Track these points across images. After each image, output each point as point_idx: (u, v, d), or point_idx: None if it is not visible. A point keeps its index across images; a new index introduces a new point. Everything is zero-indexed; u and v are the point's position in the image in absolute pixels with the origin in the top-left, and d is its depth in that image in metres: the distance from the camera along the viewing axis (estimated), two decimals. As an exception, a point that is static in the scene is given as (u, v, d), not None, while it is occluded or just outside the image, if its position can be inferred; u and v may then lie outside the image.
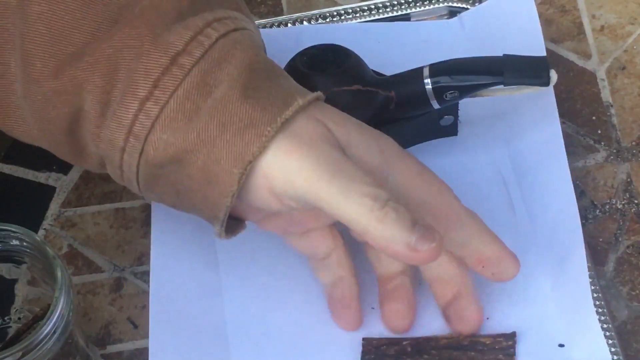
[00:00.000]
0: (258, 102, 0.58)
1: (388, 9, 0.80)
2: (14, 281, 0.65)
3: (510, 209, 0.71)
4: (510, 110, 0.74)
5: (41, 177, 0.74)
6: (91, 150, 0.61)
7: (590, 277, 0.67)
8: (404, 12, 0.80)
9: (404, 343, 0.65)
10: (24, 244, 0.62)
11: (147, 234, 0.71)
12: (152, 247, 0.69)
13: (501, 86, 0.68)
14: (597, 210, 0.72)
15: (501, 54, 0.68)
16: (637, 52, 0.78)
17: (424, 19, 0.80)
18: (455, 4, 0.80)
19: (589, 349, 0.65)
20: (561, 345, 0.65)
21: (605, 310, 0.67)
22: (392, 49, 0.77)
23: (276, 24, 0.79)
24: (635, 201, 0.72)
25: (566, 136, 0.73)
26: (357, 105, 0.68)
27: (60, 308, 0.59)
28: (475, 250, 0.62)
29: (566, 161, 0.70)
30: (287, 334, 0.67)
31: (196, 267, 0.69)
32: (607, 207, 0.72)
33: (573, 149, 0.74)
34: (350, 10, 0.80)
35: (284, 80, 0.61)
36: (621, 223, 0.72)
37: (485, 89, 0.69)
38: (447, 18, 0.80)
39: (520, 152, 0.72)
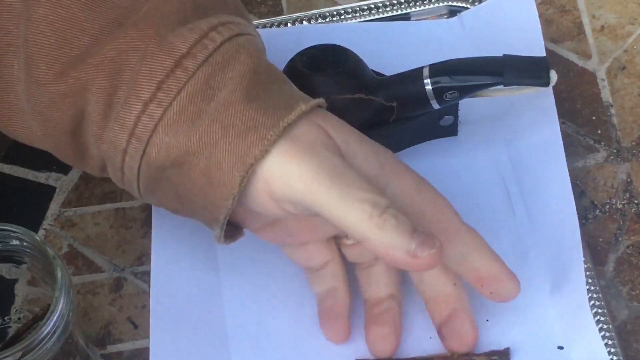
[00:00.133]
0: (261, 106, 0.58)
1: (388, 9, 0.80)
2: (14, 281, 0.65)
3: (510, 209, 0.71)
4: (510, 110, 0.74)
5: (41, 177, 0.74)
6: (93, 153, 0.62)
7: (590, 277, 0.67)
8: (404, 11, 0.80)
9: None
10: (24, 244, 0.62)
11: (147, 234, 0.71)
12: (152, 247, 0.69)
13: (501, 86, 0.68)
14: (597, 210, 0.72)
15: (501, 54, 0.68)
16: (637, 52, 0.78)
17: (424, 19, 0.80)
18: (455, 4, 0.80)
19: (588, 351, 0.65)
20: (560, 348, 0.65)
21: (605, 310, 0.67)
22: (392, 48, 0.77)
23: (276, 24, 0.79)
24: (635, 201, 0.72)
25: (566, 136, 0.73)
26: (358, 112, 0.68)
27: (60, 308, 0.59)
28: (474, 267, 0.62)
29: (565, 162, 0.70)
30: (286, 334, 0.67)
31: (196, 268, 0.69)
32: (607, 207, 0.72)
33: (573, 149, 0.74)
34: (350, 10, 0.80)
35: (287, 86, 0.61)
36: (621, 223, 0.72)
37: (485, 89, 0.69)
38: (447, 18, 0.80)
39: (520, 152, 0.72)
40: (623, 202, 0.72)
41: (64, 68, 0.60)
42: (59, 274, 0.59)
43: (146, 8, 0.60)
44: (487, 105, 0.73)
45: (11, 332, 0.65)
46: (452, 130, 0.73)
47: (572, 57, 0.78)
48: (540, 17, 0.75)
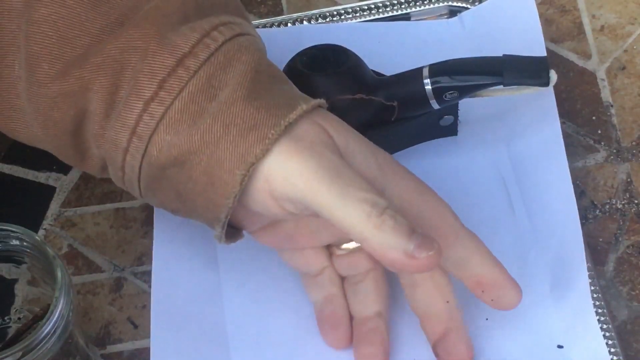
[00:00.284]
0: (262, 105, 0.58)
1: (388, 9, 0.80)
2: (14, 281, 0.65)
3: (510, 209, 0.71)
4: (510, 110, 0.74)
5: (41, 177, 0.74)
6: (94, 153, 0.62)
7: (590, 277, 0.67)
8: (404, 11, 0.80)
9: None
10: (24, 244, 0.62)
11: (147, 234, 0.71)
12: (153, 247, 0.69)
13: (501, 86, 0.68)
14: (597, 210, 0.72)
15: (501, 54, 0.68)
16: (637, 52, 0.78)
17: (424, 19, 0.80)
18: (455, 4, 0.80)
19: (588, 350, 0.65)
20: (560, 347, 0.65)
21: (605, 310, 0.67)
22: (392, 48, 0.77)
23: (276, 24, 0.79)
24: (635, 201, 0.72)
25: (566, 136, 0.73)
26: (358, 112, 0.68)
27: (60, 308, 0.59)
28: (474, 272, 0.62)
29: (566, 161, 0.70)
30: (286, 334, 0.67)
31: (197, 268, 0.69)
32: (607, 207, 0.72)
33: (573, 149, 0.74)
34: (350, 10, 0.80)
35: (287, 86, 0.61)
36: (621, 223, 0.72)
37: (485, 89, 0.69)
38: (447, 18, 0.80)
39: (520, 152, 0.72)
40: (623, 202, 0.72)
41: (66, 68, 0.60)
42: (59, 274, 0.59)
43: (147, 7, 0.60)
44: (487, 105, 0.73)
45: (11, 332, 0.65)
46: (452, 130, 0.73)
47: (572, 57, 0.78)
48: (540, 17, 0.75)
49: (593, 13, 0.80)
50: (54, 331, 0.59)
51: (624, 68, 0.77)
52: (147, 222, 0.71)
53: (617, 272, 0.70)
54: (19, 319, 0.66)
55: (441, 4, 0.80)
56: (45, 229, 0.72)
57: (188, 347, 0.66)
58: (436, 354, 0.64)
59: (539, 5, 0.77)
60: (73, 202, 0.73)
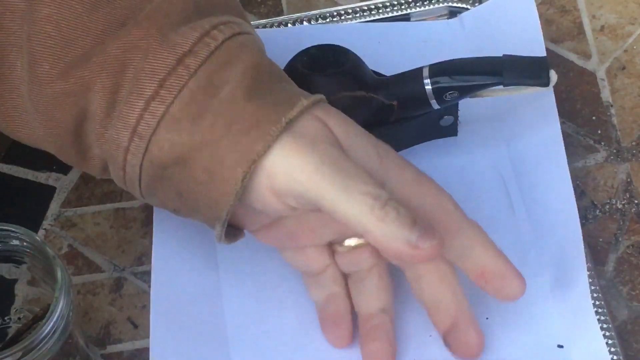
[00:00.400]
0: (263, 102, 0.58)
1: (388, 9, 0.80)
2: (14, 281, 0.65)
3: (510, 209, 0.71)
4: (510, 110, 0.74)
5: (41, 177, 0.74)
6: (95, 153, 0.62)
7: (590, 277, 0.67)
8: (404, 12, 0.80)
9: None
10: (24, 244, 0.62)
11: (147, 234, 0.71)
12: (153, 247, 0.69)
13: (501, 86, 0.68)
14: (597, 210, 0.72)
15: (501, 54, 0.68)
16: (637, 52, 0.78)
17: (424, 19, 0.80)
18: (455, 4, 0.80)
19: (588, 350, 0.65)
20: (560, 346, 0.65)
21: (605, 310, 0.67)
22: (392, 49, 0.77)
23: (276, 24, 0.79)
24: (635, 201, 0.72)
25: (566, 136, 0.73)
26: (359, 112, 0.68)
27: (60, 308, 0.59)
28: (477, 262, 0.62)
29: (566, 161, 0.70)
30: (286, 334, 0.67)
31: (197, 268, 0.69)
32: (607, 207, 0.72)
33: (573, 149, 0.74)
34: (350, 10, 0.80)
35: (287, 83, 0.61)
36: (621, 223, 0.72)
37: (485, 89, 0.69)
38: (447, 18, 0.80)
39: (520, 152, 0.72)
40: (623, 202, 0.72)
41: (68, 67, 0.60)
42: (59, 274, 0.59)
43: (149, 8, 0.60)
44: (487, 105, 0.73)
45: (11, 332, 0.65)
46: (452, 130, 0.73)
47: (572, 57, 0.78)
48: (540, 17, 0.75)
49: (593, 13, 0.80)
50: (54, 331, 0.59)
51: (624, 68, 0.77)
52: (147, 222, 0.71)
53: (617, 272, 0.70)
54: (19, 319, 0.66)
55: (441, 5, 0.80)
56: (45, 229, 0.72)
57: (188, 347, 0.66)
58: (447, 344, 0.64)
59: (539, 5, 0.77)
60: (73, 202, 0.73)
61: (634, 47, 0.78)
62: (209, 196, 0.59)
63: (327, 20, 0.79)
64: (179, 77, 0.58)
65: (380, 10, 0.80)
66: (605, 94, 0.77)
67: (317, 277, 0.65)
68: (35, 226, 0.72)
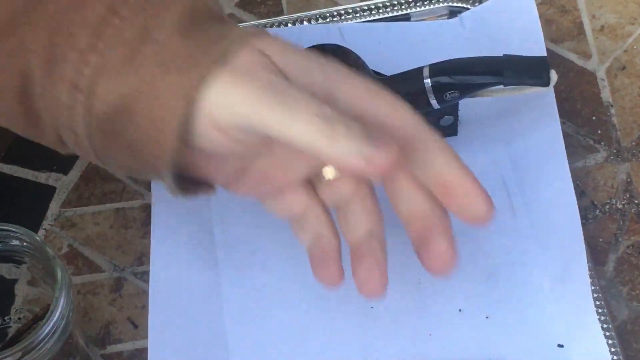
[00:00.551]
0: (198, 41, 0.57)
1: (388, 9, 0.80)
2: (14, 281, 0.65)
3: (510, 209, 0.71)
4: (510, 110, 0.74)
5: (41, 177, 0.74)
6: (46, 122, 0.60)
7: (590, 277, 0.67)
8: (404, 12, 0.80)
9: None
10: (24, 244, 0.62)
11: (147, 234, 0.71)
12: (152, 247, 0.69)
13: (501, 86, 0.68)
14: (597, 210, 0.72)
15: (501, 54, 0.68)
16: (637, 52, 0.78)
17: (424, 19, 0.80)
18: (455, 4, 0.80)
19: (589, 349, 0.65)
20: (560, 346, 0.66)
21: (605, 310, 0.67)
22: (392, 49, 0.77)
23: (276, 24, 0.79)
24: (635, 201, 0.72)
25: (566, 136, 0.73)
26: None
27: (60, 308, 0.59)
28: (437, 173, 0.58)
29: (566, 161, 0.70)
30: (286, 334, 0.67)
31: (196, 267, 0.69)
32: (607, 207, 0.72)
33: (573, 149, 0.74)
34: (350, 11, 0.80)
35: (226, 23, 0.60)
36: (621, 223, 0.72)
37: (485, 89, 0.69)
38: (447, 18, 0.80)
39: (520, 152, 0.72)
40: (623, 202, 0.72)
41: (4, 27, 0.59)
42: (59, 274, 0.59)
43: None
44: (487, 105, 0.73)
45: (11, 332, 0.65)
46: (452, 130, 0.73)
47: (572, 57, 0.78)
48: (540, 17, 0.75)
49: (593, 13, 0.80)
50: (54, 331, 0.59)
51: (624, 68, 0.77)
52: (147, 222, 0.71)
53: (617, 272, 0.70)
54: (19, 319, 0.66)
55: (441, 5, 0.80)
56: (45, 229, 0.72)
57: (186, 347, 0.66)
58: (419, 257, 0.61)
59: (539, 5, 0.77)
60: (73, 202, 0.73)
61: (634, 47, 0.78)
62: (154, 143, 0.57)
63: (327, 20, 0.79)
64: (112, 26, 0.57)
65: (380, 10, 0.80)
66: (605, 94, 0.77)
67: (301, 222, 0.63)
68: (35, 226, 0.72)
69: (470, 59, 0.69)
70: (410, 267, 0.69)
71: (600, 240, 0.71)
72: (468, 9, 0.79)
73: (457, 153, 0.59)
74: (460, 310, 0.67)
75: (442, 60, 0.69)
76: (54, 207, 0.73)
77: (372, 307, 0.68)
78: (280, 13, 0.81)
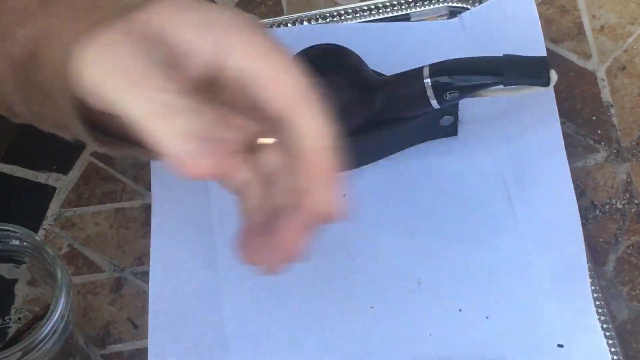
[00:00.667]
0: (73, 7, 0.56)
1: (388, 9, 0.80)
2: (14, 281, 0.65)
3: (510, 209, 0.71)
4: (510, 110, 0.74)
5: (41, 177, 0.74)
6: None
7: (590, 277, 0.67)
8: (404, 12, 0.80)
9: None
10: (24, 244, 0.62)
11: (147, 234, 0.71)
12: (151, 247, 0.69)
13: (501, 86, 0.68)
14: (597, 210, 0.72)
15: (501, 54, 0.68)
16: (637, 52, 0.78)
17: (424, 19, 0.80)
18: (455, 4, 0.80)
19: (589, 349, 0.65)
20: (560, 346, 0.66)
21: (605, 310, 0.67)
22: (392, 49, 0.77)
23: (276, 24, 0.79)
24: (635, 201, 0.72)
25: (566, 136, 0.73)
26: (359, 112, 0.68)
27: (60, 308, 0.59)
28: (296, 140, 0.54)
29: (566, 161, 0.70)
30: (285, 334, 0.67)
31: (196, 267, 0.69)
32: (607, 207, 0.72)
33: (573, 149, 0.74)
34: (350, 10, 0.80)
35: None
36: (621, 223, 0.72)
37: (485, 89, 0.69)
38: (447, 18, 0.80)
39: (520, 152, 0.72)
40: (623, 202, 0.72)
41: None
42: (59, 274, 0.59)
43: None
44: (487, 105, 0.73)
45: (11, 332, 0.65)
46: (452, 130, 0.73)
47: (572, 57, 0.78)
48: (540, 17, 0.75)
49: (593, 13, 0.80)
50: (54, 331, 0.59)
51: (624, 68, 0.77)
52: (147, 222, 0.71)
53: (617, 272, 0.70)
54: (19, 319, 0.66)
55: (441, 5, 0.80)
56: (45, 229, 0.72)
57: (186, 347, 0.66)
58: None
59: (539, 5, 0.77)
60: (73, 202, 0.73)
61: (634, 47, 0.78)
62: (59, 90, 0.56)
63: (327, 20, 0.79)
64: None
65: (380, 10, 0.80)
66: (605, 94, 0.77)
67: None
68: (35, 226, 0.72)
69: (470, 59, 0.69)
70: (410, 267, 0.69)
71: (600, 240, 0.71)
72: (468, 9, 0.79)
73: (328, 132, 0.55)
74: (460, 310, 0.67)
75: (442, 60, 0.69)
76: (54, 207, 0.73)
77: (372, 307, 0.68)
78: (280, 13, 0.81)
